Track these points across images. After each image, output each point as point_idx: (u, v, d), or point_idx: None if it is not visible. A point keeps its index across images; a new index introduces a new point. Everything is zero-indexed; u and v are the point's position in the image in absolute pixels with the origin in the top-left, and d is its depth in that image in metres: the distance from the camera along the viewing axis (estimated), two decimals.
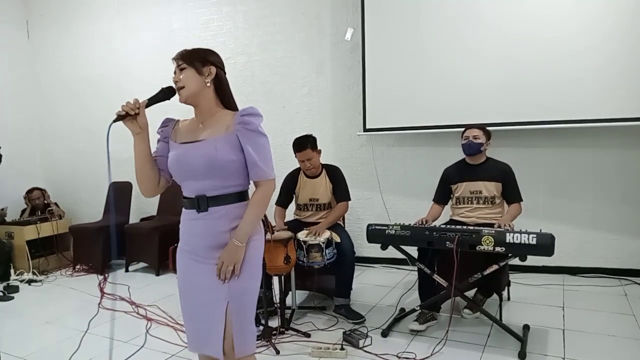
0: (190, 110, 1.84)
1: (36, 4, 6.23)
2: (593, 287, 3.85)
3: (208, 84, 1.78)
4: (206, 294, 1.76)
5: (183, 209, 1.84)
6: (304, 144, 3.54)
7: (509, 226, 2.92)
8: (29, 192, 5.67)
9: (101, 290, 4.39)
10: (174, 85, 1.79)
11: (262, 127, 1.78)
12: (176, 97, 1.80)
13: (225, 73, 1.86)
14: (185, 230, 1.84)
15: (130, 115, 1.71)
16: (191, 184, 1.77)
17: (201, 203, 1.74)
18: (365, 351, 2.85)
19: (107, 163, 1.68)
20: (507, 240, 2.66)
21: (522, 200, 3.27)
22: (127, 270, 5.07)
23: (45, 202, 5.71)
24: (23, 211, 5.69)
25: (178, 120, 1.92)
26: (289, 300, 3.49)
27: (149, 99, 1.77)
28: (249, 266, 1.78)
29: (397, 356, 2.77)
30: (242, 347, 1.77)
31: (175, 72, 1.78)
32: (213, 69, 1.79)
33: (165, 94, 1.80)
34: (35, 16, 6.25)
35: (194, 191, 1.76)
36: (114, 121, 1.68)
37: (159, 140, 1.91)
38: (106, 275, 4.91)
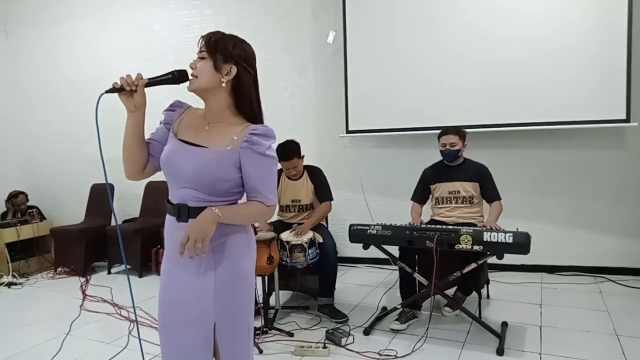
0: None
1: (15, 5, 6.15)
2: (569, 285, 3.96)
3: (223, 84, 1.54)
4: (188, 310, 1.57)
5: (167, 214, 1.65)
6: (291, 153, 3.51)
7: (496, 226, 2.97)
8: (13, 196, 5.54)
9: (83, 292, 4.36)
10: (189, 70, 1.57)
11: (270, 150, 1.56)
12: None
13: (251, 75, 1.60)
14: (168, 238, 1.65)
15: (125, 90, 1.51)
16: (175, 188, 1.57)
17: (182, 212, 1.54)
18: (348, 349, 2.89)
19: (97, 137, 1.49)
20: (485, 239, 2.73)
21: (500, 198, 3.34)
22: (109, 273, 5.03)
23: (28, 205, 5.64)
24: (3, 214, 5.61)
25: (189, 107, 1.69)
26: (272, 300, 3.52)
27: (150, 78, 1.55)
28: (239, 281, 1.60)
29: (378, 353, 2.81)
30: None
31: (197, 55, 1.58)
32: (234, 69, 1.54)
33: (173, 78, 1.56)
34: (14, 17, 6.17)
35: (178, 197, 1.56)
36: (107, 91, 1.51)
37: (161, 122, 1.68)
38: (88, 277, 4.87)
